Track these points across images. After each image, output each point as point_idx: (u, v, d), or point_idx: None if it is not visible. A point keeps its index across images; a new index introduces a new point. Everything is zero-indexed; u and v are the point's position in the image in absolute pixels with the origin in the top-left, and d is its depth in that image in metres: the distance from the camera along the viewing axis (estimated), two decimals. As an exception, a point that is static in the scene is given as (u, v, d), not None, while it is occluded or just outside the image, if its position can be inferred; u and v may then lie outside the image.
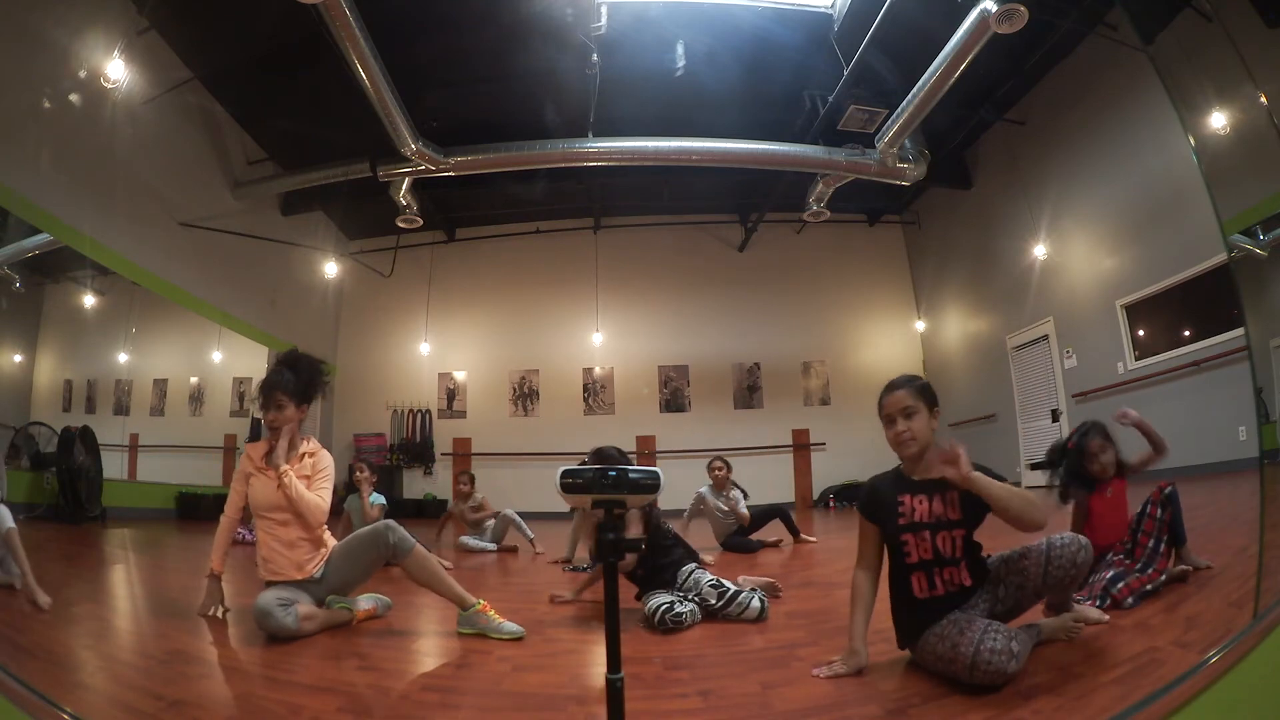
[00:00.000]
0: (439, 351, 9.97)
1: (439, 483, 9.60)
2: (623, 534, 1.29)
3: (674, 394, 9.98)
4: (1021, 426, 8.17)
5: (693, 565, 2.73)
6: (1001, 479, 1.66)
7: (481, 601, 2.35)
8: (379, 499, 4.30)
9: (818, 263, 10.26)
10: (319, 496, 2.47)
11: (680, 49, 6.00)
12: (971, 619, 1.65)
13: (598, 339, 9.86)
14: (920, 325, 10.29)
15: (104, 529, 5.36)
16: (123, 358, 6.54)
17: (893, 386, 1.81)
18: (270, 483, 2.44)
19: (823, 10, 5.96)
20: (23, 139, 4.75)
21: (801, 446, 9.73)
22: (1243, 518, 3.25)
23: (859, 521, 1.84)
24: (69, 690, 1.68)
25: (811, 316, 10.26)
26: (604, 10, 5.45)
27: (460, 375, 10.12)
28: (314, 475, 2.51)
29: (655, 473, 1.33)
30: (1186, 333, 5.96)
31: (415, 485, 9.58)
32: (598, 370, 10.02)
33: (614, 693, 1.22)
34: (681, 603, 2.47)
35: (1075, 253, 7.26)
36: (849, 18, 5.78)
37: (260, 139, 7.49)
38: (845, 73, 6.10)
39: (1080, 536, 1.73)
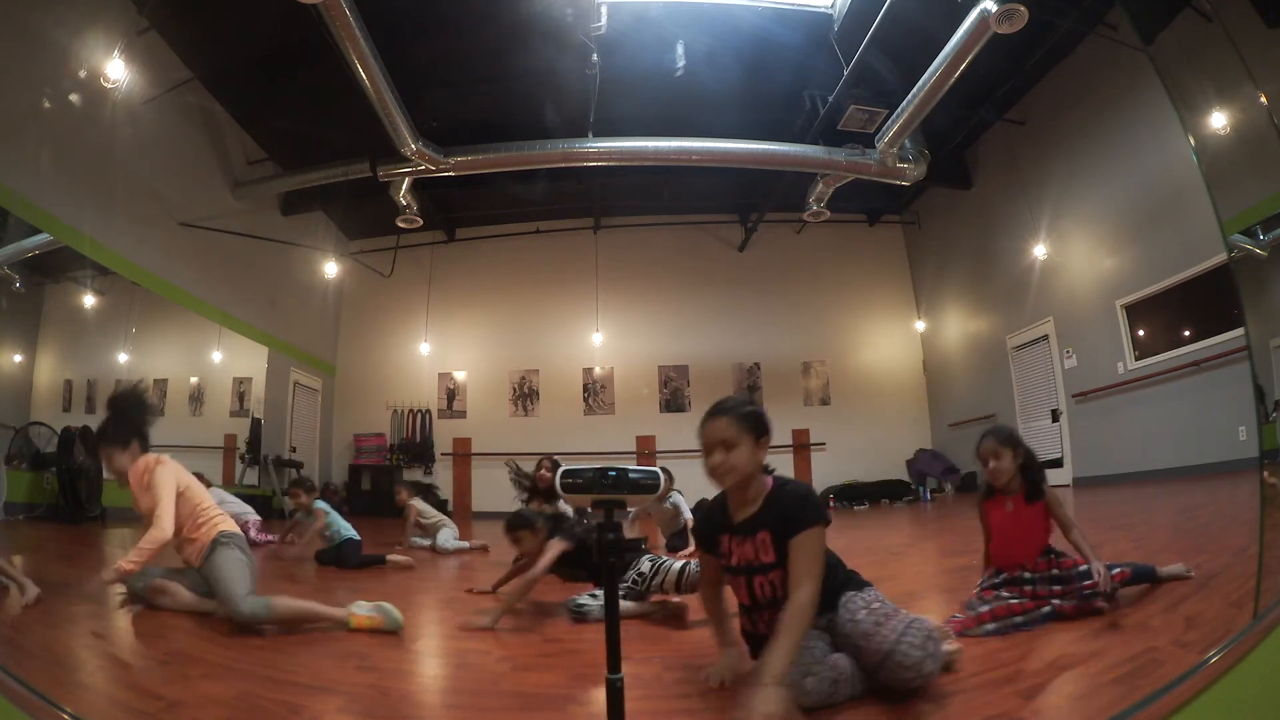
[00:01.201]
0: (439, 351, 9.97)
1: (438, 483, 9.59)
2: (622, 534, 1.29)
3: (674, 394, 9.98)
4: (1022, 427, 8.16)
5: (639, 558, 2.76)
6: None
7: (350, 612, 2.39)
8: (320, 505, 4.55)
9: (818, 263, 10.26)
10: (156, 527, 2.48)
11: (680, 49, 6.00)
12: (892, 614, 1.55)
13: (598, 339, 9.86)
14: (920, 325, 10.29)
15: (104, 529, 5.35)
16: (123, 358, 6.54)
17: (713, 413, 1.65)
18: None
19: (823, 10, 5.97)
20: (23, 139, 4.74)
21: (801, 446, 9.73)
22: (1243, 518, 3.25)
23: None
24: (69, 690, 1.68)
25: (811, 316, 10.26)
26: (604, 10, 5.45)
27: (460, 375, 10.12)
28: (152, 492, 2.57)
29: (655, 473, 1.33)
30: (1186, 333, 5.96)
31: (415, 485, 9.57)
32: (598, 370, 10.03)
33: (614, 693, 1.22)
34: (594, 596, 2.61)
35: (1075, 253, 7.26)
36: (849, 18, 5.78)
37: (260, 139, 7.50)
38: (845, 73, 6.10)
39: (944, 644, 1.58)
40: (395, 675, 1.93)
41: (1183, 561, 2.34)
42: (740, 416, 1.62)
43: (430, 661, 2.14)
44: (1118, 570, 2.11)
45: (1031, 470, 2.21)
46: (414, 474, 9.44)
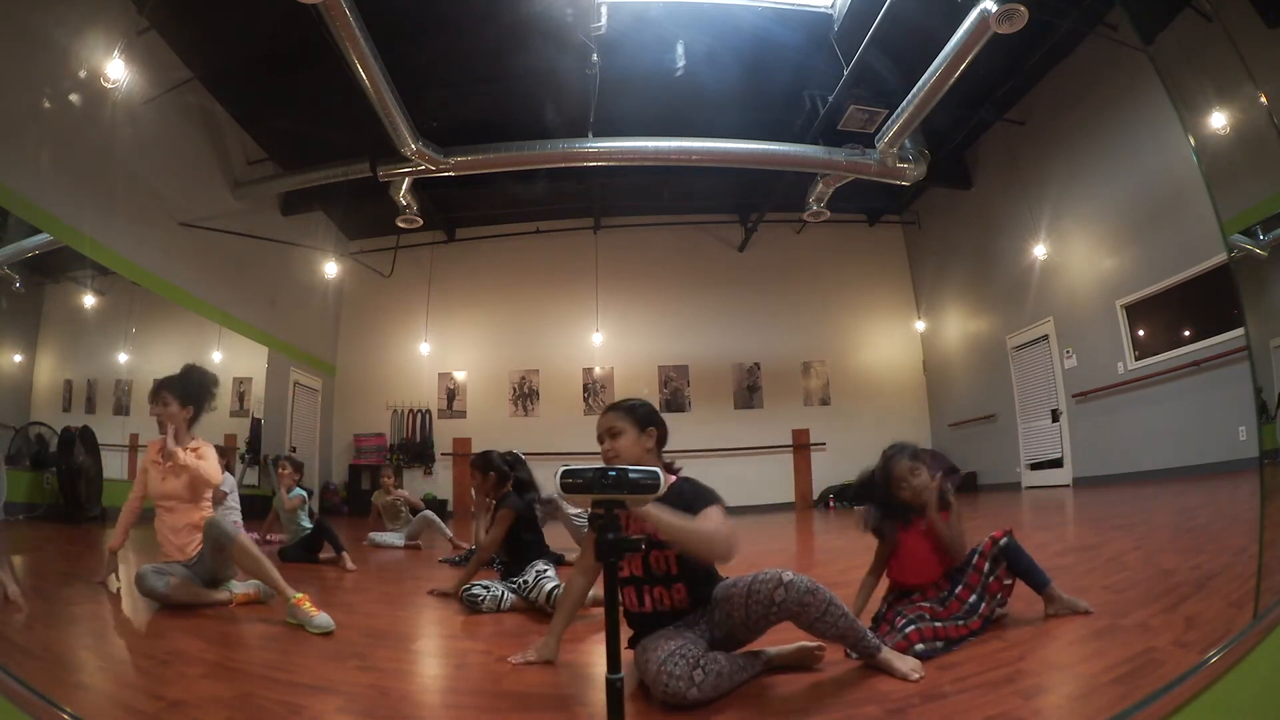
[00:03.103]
0: (439, 351, 9.96)
1: (439, 482, 9.60)
2: (621, 534, 1.29)
3: (674, 394, 9.98)
4: (1021, 426, 8.17)
5: (541, 563, 2.85)
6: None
7: (299, 595, 2.48)
8: (299, 492, 4.61)
9: (818, 263, 10.25)
10: (211, 477, 2.79)
11: (680, 49, 6.00)
12: (670, 636, 1.65)
13: (598, 339, 9.85)
14: (920, 325, 10.29)
15: (104, 529, 5.35)
16: (123, 358, 6.53)
17: (606, 409, 1.92)
18: (163, 472, 2.78)
19: (823, 10, 5.96)
20: (23, 139, 4.74)
21: (801, 446, 9.73)
22: (1243, 518, 3.25)
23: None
24: (69, 690, 1.68)
25: (811, 316, 10.26)
26: (604, 10, 5.45)
27: (460, 375, 10.12)
28: (205, 460, 2.82)
29: (655, 473, 1.34)
30: (1186, 333, 5.96)
31: (415, 485, 9.57)
32: (598, 370, 10.02)
33: (614, 693, 1.23)
34: (494, 586, 2.73)
35: (1075, 253, 7.26)
36: (849, 18, 5.78)
37: (260, 139, 7.49)
38: (845, 73, 6.09)
39: (782, 573, 1.64)
40: (395, 675, 1.93)
41: (1180, 560, 2.32)
42: (626, 410, 1.86)
43: (430, 661, 2.14)
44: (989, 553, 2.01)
45: (943, 489, 2.16)
46: (413, 474, 9.47)
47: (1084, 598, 2.09)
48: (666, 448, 1.97)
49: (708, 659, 1.59)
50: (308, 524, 4.53)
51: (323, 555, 4.34)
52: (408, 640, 2.39)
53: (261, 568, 2.64)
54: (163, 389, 2.85)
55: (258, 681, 1.86)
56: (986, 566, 2.01)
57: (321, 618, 2.38)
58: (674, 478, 1.83)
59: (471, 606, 2.67)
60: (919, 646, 1.83)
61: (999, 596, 2.01)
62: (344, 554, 4.19)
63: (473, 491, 3.38)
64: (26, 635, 2.19)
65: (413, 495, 5.74)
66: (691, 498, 1.73)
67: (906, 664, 1.68)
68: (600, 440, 1.88)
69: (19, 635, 2.18)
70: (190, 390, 2.91)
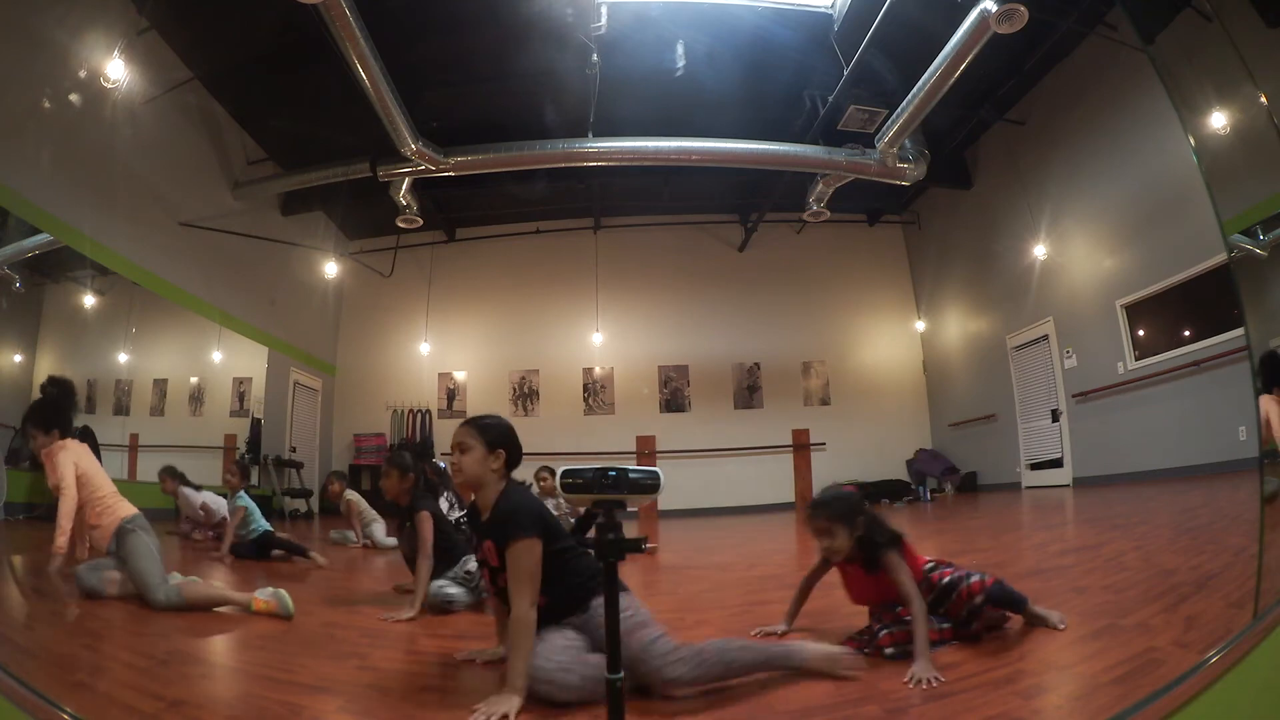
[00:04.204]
0: (439, 351, 9.97)
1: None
2: (622, 533, 1.29)
3: (674, 394, 9.98)
4: (1021, 426, 8.17)
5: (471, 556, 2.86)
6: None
7: (254, 598, 2.57)
8: (241, 501, 4.51)
9: (818, 263, 10.26)
10: (63, 499, 2.81)
11: (680, 49, 6.00)
12: (551, 634, 1.68)
13: (598, 339, 9.86)
14: (920, 325, 10.29)
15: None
16: (123, 358, 6.53)
17: (463, 421, 1.90)
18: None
19: (823, 10, 5.96)
20: (23, 139, 4.74)
21: (801, 446, 9.73)
22: (1243, 518, 3.25)
23: None
24: (69, 690, 1.68)
25: (811, 316, 10.26)
26: (604, 10, 5.45)
27: (460, 375, 10.12)
28: (56, 471, 2.84)
29: (655, 473, 1.34)
30: (1186, 333, 5.96)
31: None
32: (598, 370, 10.02)
33: (614, 693, 1.23)
34: (455, 585, 2.74)
35: (1075, 253, 7.26)
36: (849, 18, 5.78)
37: (260, 139, 7.49)
38: (845, 73, 6.10)
39: (662, 646, 1.63)
40: (395, 675, 1.93)
41: (1180, 560, 2.32)
42: (479, 427, 1.84)
43: (431, 662, 2.14)
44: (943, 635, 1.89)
45: (870, 539, 1.93)
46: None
47: (1084, 598, 2.09)
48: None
49: (580, 667, 1.59)
50: (262, 524, 4.48)
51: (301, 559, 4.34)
52: (408, 640, 2.39)
53: (216, 601, 2.68)
54: (26, 425, 2.92)
55: (258, 681, 1.86)
56: (964, 613, 1.92)
57: (282, 602, 2.50)
58: (503, 486, 1.84)
59: (448, 609, 2.68)
60: (888, 650, 1.83)
61: (980, 630, 1.94)
62: (311, 554, 4.23)
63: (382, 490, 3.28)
64: (26, 635, 2.19)
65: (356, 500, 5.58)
66: (504, 524, 1.73)
67: (838, 665, 1.69)
68: (451, 453, 1.90)
69: (19, 635, 2.18)
70: (54, 410, 2.99)
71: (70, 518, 2.80)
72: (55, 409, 2.99)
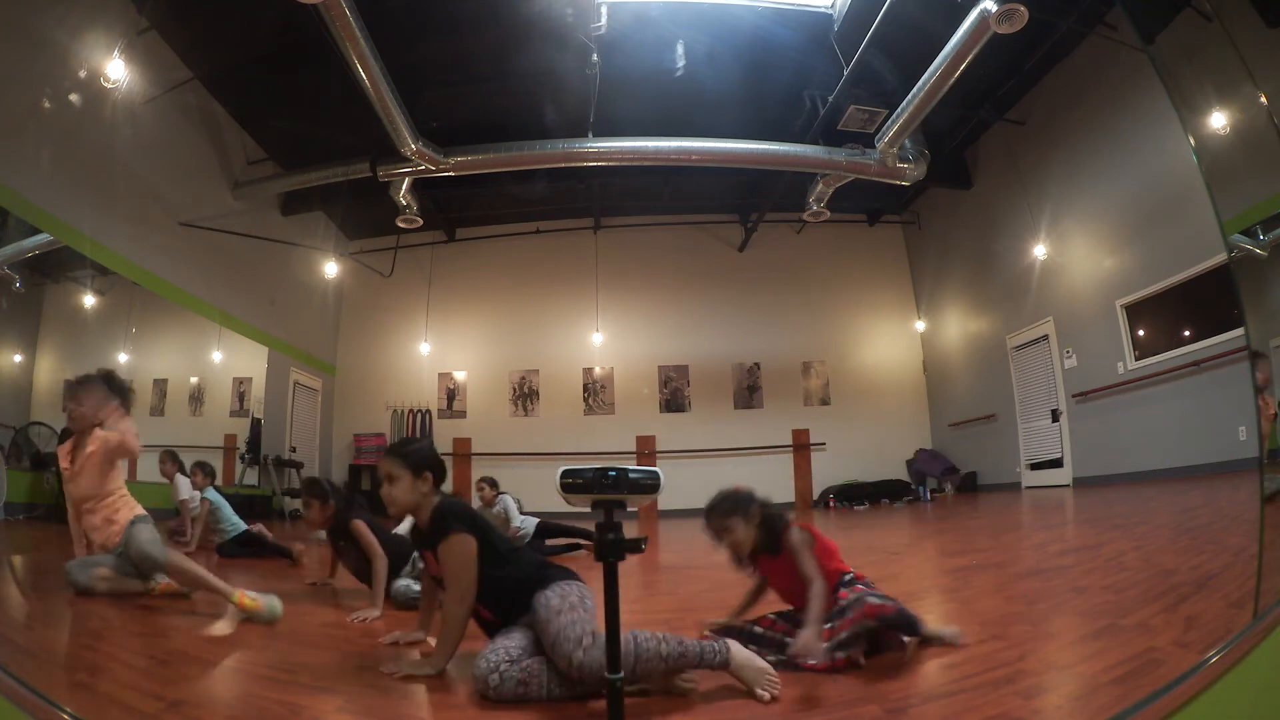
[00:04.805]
0: (439, 351, 9.97)
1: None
2: (622, 534, 1.29)
3: (674, 394, 9.98)
4: (1021, 426, 8.17)
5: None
6: None
7: (238, 593, 2.52)
8: (210, 494, 4.49)
9: (818, 263, 10.26)
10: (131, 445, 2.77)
11: (680, 49, 6.00)
12: (505, 633, 1.69)
13: (598, 339, 9.86)
14: (920, 325, 10.29)
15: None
16: (123, 358, 6.53)
17: (385, 452, 1.93)
18: (73, 475, 2.75)
19: (823, 10, 5.97)
20: (23, 139, 4.74)
21: (801, 447, 9.73)
22: (1243, 518, 3.25)
23: None
24: (69, 690, 1.68)
25: (811, 316, 10.27)
26: (604, 10, 5.45)
27: (460, 375, 10.12)
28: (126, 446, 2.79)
29: (655, 473, 1.34)
30: (1186, 333, 5.96)
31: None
32: (598, 370, 10.02)
33: (614, 693, 1.23)
34: (418, 581, 2.72)
35: (1075, 253, 7.26)
36: (849, 18, 5.78)
37: (260, 139, 7.49)
38: (845, 73, 6.10)
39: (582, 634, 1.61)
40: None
41: (1180, 560, 2.31)
42: (402, 455, 1.86)
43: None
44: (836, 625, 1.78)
45: (771, 525, 1.95)
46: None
47: (1084, 598, 2.08)
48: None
49: (522, 663, 1.59)
50: (236, 523, 4.45)
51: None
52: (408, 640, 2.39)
53: (199, 581, 2.64)
54: (93, 388, 2.82)
55: (258, 681, 1.86)
56: (852, 632, 1.76)
57: (269, 606, 2.44)
58: (436, 500, 1.88)
59: (415, 603, 2.67)
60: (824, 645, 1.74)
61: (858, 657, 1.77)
62: (294, 552, 4.23)
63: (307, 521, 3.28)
64: (26, 635, 2.19)
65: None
66: (434, 528, 1.79)
67: (756, 682, 1.60)
68: (379, 484, 1.91)
69: (19, 635, 2.18)
70: (123, 391, 2.95)
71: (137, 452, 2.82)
72: (122, 388, 2.94)
